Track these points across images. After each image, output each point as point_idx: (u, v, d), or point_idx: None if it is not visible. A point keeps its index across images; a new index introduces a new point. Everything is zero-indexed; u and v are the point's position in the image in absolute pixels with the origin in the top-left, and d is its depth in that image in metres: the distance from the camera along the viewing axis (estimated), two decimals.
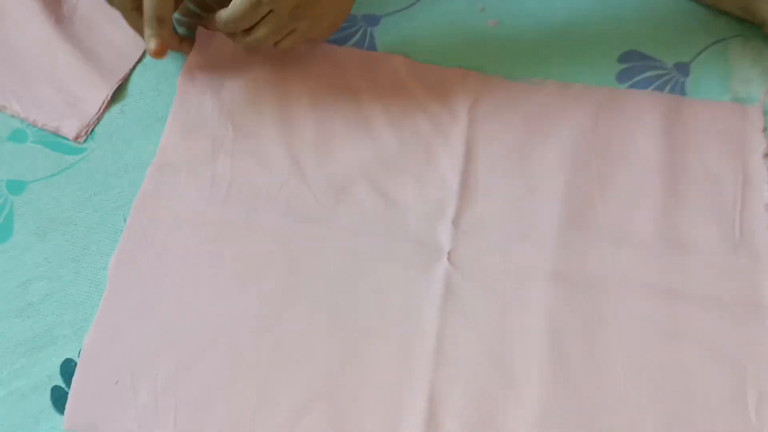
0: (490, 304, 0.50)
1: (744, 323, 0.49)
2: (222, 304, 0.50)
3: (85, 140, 0.57)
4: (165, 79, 0.60)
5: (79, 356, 0.49)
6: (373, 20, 0.63)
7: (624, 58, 0.61)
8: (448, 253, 0.52)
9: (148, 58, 0.61)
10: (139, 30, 0.56)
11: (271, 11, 0.52)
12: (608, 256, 0.51)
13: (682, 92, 0.59)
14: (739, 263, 0.51)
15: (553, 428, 0.46)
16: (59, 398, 0.48)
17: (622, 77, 0.60)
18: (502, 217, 0.54)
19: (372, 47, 0.62)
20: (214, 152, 0.56)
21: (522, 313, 0.50)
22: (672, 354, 0.48)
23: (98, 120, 0.58)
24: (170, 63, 0.61)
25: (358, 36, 0.63)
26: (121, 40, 0.61)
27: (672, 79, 0.60)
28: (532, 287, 0.51)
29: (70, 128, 0.57)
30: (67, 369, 0.49)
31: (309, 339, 0.49)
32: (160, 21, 0.53)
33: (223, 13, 0.53)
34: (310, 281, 0.51)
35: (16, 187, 0.56)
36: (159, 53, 0.54)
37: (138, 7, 0.54)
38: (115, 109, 0.59)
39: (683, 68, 0.60)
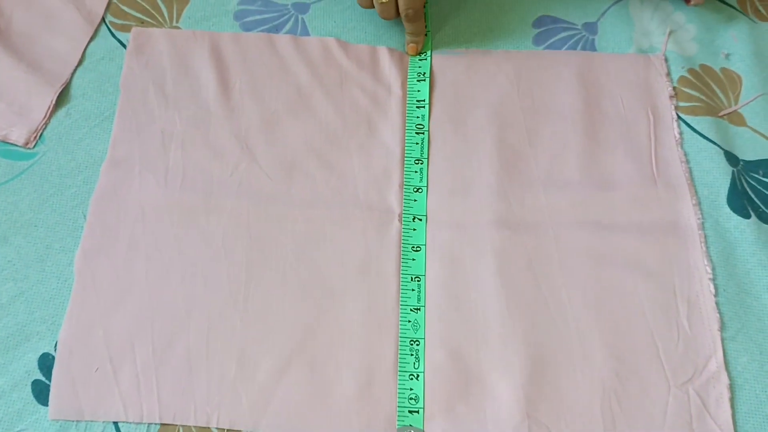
0: (443, 257, 0.54)
1: (666, 244, 0.54)
2: (192, 283, 0.53)
3: (35, 145, 0.58)
4: (107, 80, 0.62)
5: (55, 350, 0.50)
6: (302, 8, 0.67)
7: (537, 23, 0.66)
8: (399, 215, 0.56)
9: (87, 61, 0.63)
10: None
11: None
12: (543, 200, 0.56)
13: (593, 48, 0.65)
14: (657, 193, 0.57)
15: (512, 359, 0.50)
16: (41, 391, 0.49)
17: (538, 40, 0.65)
18: (444, 177, 0.58)
19: (305, 33, 0.65)
20: (164, 145, 0.59)
21: (473, 260, 0.54)
22: (607, 278, 0.53)
23: (46, 124, 0.59)
24: (110, 64, 0.63)
25: (290, 24, 0.66)
26: (58, 45, 0.63)
27: (582, 38, 0.65)
28: (479, 236, 0.55)
29: (18, 135, 0.58)
30: (46, 363, 0.50)
31: (280, 305, 0.52)
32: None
33: None
34: (274, 253, 0.54)
35: None
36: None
37: None
38: (61, 112, 0.60)
39: (591, 27, 0.66)
